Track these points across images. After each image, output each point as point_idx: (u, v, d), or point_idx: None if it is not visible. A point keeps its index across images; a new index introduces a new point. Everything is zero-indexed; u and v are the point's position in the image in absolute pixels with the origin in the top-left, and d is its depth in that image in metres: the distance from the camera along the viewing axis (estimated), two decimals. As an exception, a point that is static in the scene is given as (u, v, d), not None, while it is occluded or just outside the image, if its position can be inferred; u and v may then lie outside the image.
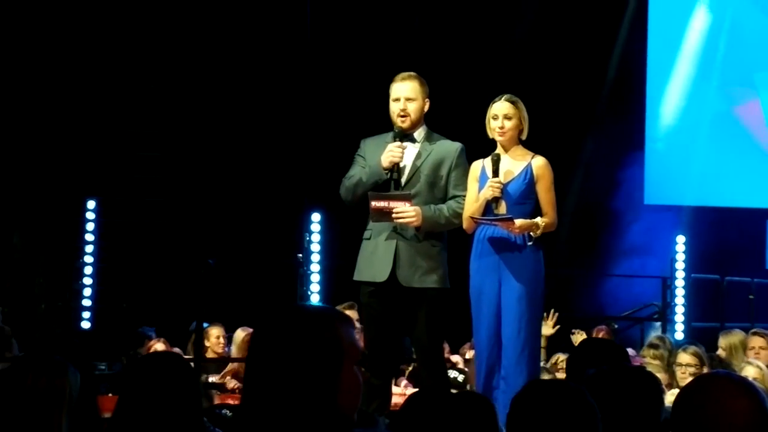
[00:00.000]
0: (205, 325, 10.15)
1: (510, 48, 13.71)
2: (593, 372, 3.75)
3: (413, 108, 6.97)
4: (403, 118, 6.96)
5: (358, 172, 7.02)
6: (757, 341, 8.73)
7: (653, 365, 8.31)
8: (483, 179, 6.86)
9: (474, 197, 6.86)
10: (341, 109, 12.66)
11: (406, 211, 6.79)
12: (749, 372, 7.47)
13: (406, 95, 6.96)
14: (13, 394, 3.42)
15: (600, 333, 10.87)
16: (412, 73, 7.05)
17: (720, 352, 8.78)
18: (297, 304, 6.45)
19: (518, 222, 6.70)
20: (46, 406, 3.33)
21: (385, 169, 6.90)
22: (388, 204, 6.83)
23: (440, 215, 6.89)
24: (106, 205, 11.29)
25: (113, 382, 8.47)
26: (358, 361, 2.76)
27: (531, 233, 6.75)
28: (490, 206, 6.82)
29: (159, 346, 9.75)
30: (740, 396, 2.91)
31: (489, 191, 6.76)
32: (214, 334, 9.97)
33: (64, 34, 12.29)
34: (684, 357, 7.99)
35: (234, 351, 9.85)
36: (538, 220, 6.77)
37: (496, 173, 6.80)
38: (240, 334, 9.93)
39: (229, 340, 10.08)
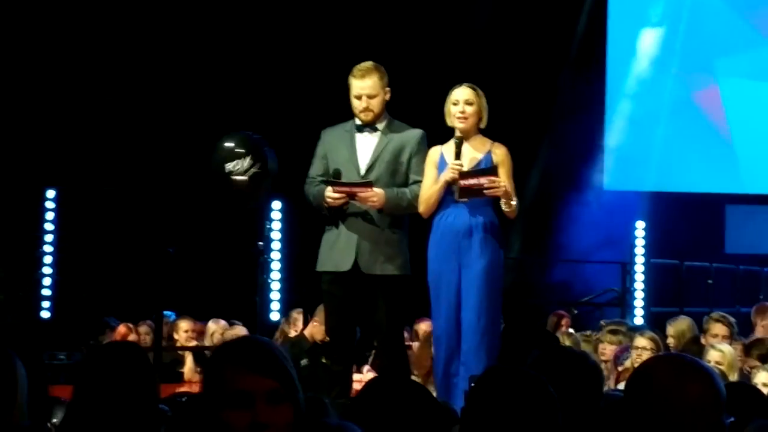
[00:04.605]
0: (168, 313, 10.12)
1: (469, 34, 13.71)
2: (537, 354, 3.77)
3: (375, 104, 6.98)
4: (366, 114, 6.97)
5: (312, 189, 7.03)
6: (720, 329, 8.65)
7: (610, 351, 8.35)
8: (441, 165, 6.87)
9: (432, 181, 6.87)
10: (300, 97, 12.64)
11: (368, 194, 6.81)
12: (712, 356, 7.47)
13: (367, 93, 6.96)
14: None
15: (563, 319, 10.93)
16: (370, 66, 7.02)
17: (669, 340, 8.77)
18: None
19: (505, 182, 6.70)
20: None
21: (327, 206, 6.92)
22: (350, 190, 6.86)
23: (403, 198, 6.91)
24: (65, 194, 11.21)
25: (72, 372, 8.43)
26: (247, 405, 2.64)
27: (506, 200, 6.76)
28: (450, 196, 6.84)
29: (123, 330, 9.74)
30: (691, 377, 2.93)
31: (449, 173, 6.77)
32: (183, 328, 9.93)
33: (20, 26, 12.20)
34: (641, 341, 8.01)
35: (207, 342, 9.84)
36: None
37: (458, 156, 6.81)
38: (212, 326, 9.92)
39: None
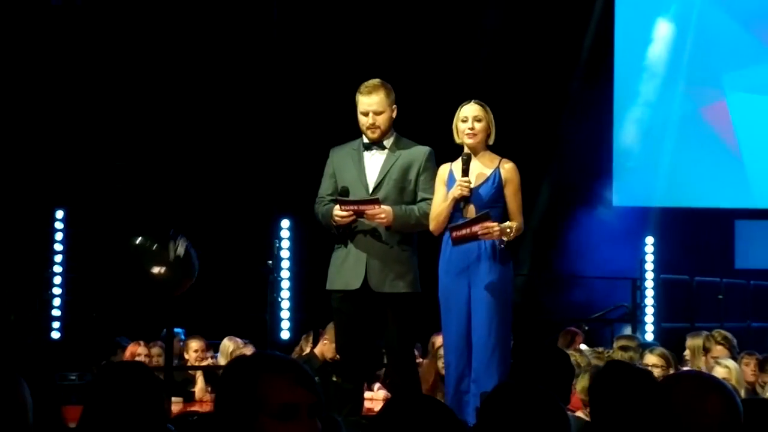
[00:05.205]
0: (178, 330, 10.11)
1: (477, 50, 13.73)
2: (599, 369, 3.78)
3: (382, 120, 6.98)
4: (373, 130, 6.98)
5: (321, 208, 7.05)
6: (720, 351, 8.65)
7: None
8: (450, 182, 6.87)
9: (441, 199, 6.87)
10: (309, 115, 12.65)
11: (375, 211, 6.81)
12: (718, 372, 7.46)
13: (373, 109, 6.97)
14: None
15: (577, 336, 10.89)
16: (377, 83, 7.03)
17: (686, 353, 8.79)
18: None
19: (496, 224, 6.70)
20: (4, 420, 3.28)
21: (335, 224, 6.93)
22: (358, 208, 6.86)
23: (411, 215, 6.91)
24: (74, 214, 11.23)
25: (83, 393, 8.41)
26: (289, 416, 2.63)
27: (504, 237, 6.76)
28: (458, 212, 6.83)
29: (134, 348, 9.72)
30: (710, 394, 2.92)
31: (458, 190, 6.78)
32: (193, 347, 9.93)
33: (26, 45, 12.23)
34: (651, 358, 7.99)
35: (222, 361, 9.82)
36: (510, 223, 6.79)
37: (465, 173, 6.81)
38: (229, 344, 9.89)
39: (211, 348, 10.05)
